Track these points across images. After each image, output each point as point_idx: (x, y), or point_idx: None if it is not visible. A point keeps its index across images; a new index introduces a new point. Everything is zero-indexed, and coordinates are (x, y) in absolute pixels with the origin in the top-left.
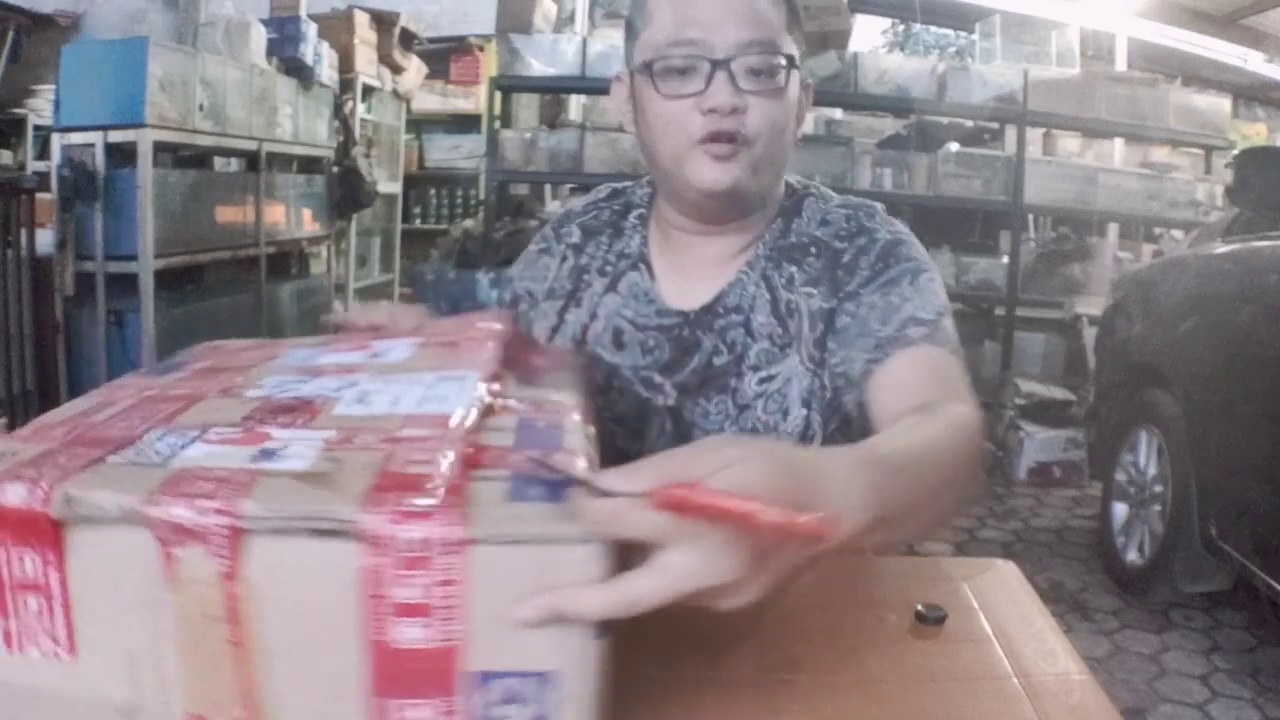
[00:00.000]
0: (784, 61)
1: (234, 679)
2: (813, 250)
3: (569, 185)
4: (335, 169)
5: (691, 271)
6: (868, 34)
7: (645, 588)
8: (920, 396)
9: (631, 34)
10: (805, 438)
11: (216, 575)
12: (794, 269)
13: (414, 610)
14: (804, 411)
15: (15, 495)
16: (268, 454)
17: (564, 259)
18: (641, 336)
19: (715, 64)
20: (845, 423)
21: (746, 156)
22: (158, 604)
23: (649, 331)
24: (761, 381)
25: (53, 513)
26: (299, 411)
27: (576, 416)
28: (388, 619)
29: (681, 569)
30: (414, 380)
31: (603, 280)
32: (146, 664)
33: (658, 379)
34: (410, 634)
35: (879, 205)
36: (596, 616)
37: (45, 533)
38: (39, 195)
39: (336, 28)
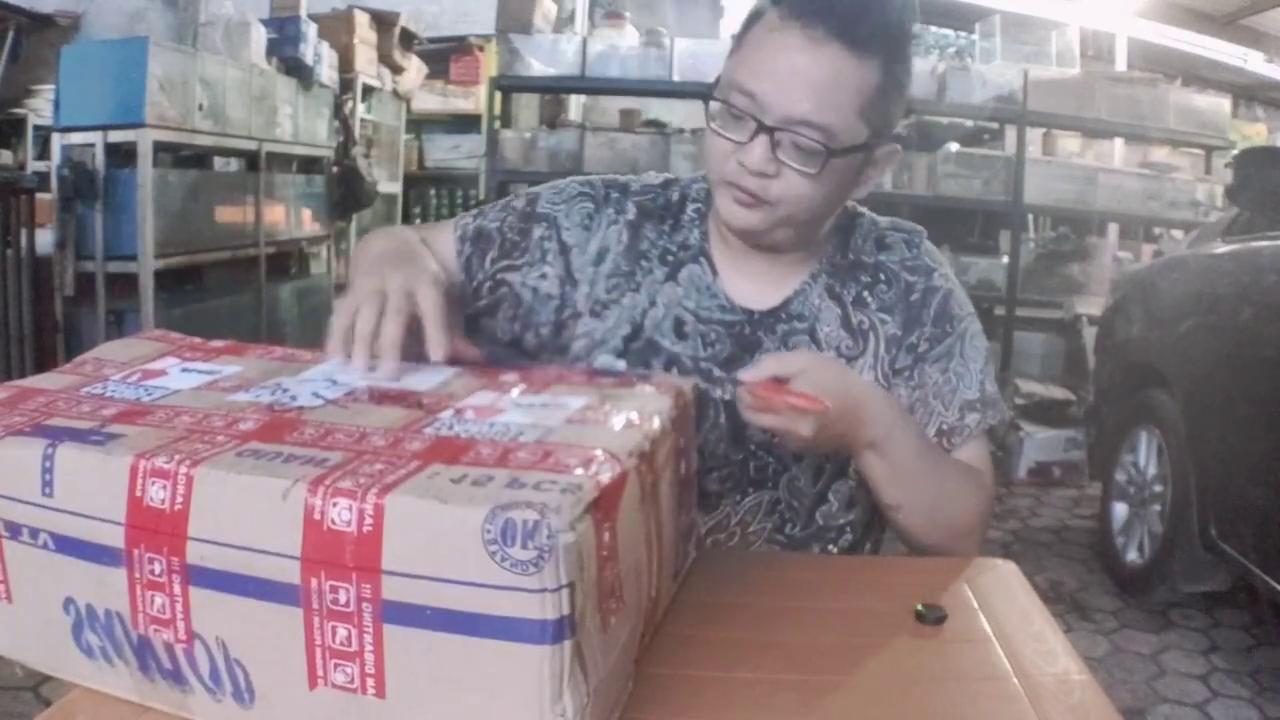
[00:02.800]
0: (828, 150)
1: None
2: (881, 277)
3: None
4: (335, 169)
5: (753, 274)
6: None
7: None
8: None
9: (735, 41)
10: None
11: None
12: (865, 292)
13: None
14: None
15: None
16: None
17: (614, 224)
18: (704, 329)
19: (761, 126)
20: None
21: (768, 213)
22: None
23: (711, 325)
24: None
25: None
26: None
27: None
28: None
29: (775, 425)
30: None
31: (663, 268)
32: None
33: (717, 373)
34: None
35: (923, 230)
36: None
37: None
38: (39, 195)
39: (336, 28)
